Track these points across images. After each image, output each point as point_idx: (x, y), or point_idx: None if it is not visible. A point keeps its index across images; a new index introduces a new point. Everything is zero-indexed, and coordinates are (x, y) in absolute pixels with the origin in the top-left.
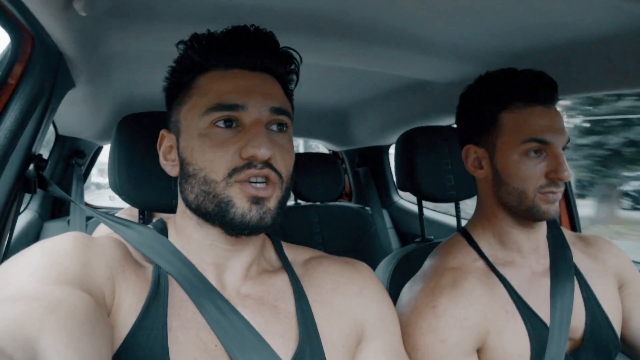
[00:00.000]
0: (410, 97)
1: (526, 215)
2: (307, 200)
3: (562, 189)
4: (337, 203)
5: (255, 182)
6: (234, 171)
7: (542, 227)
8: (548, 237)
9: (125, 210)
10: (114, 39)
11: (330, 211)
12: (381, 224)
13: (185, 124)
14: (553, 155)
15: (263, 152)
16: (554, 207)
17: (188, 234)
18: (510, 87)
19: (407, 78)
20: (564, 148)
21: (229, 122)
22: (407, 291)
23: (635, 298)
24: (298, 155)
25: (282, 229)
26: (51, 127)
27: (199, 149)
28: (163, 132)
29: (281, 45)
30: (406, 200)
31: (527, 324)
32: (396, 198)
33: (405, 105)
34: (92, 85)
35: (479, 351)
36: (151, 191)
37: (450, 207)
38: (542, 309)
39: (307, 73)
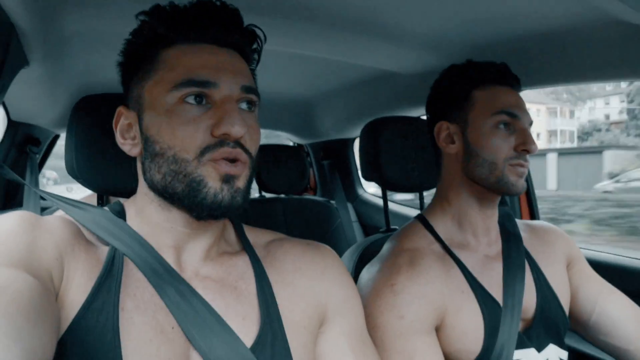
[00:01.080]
0: (375, 89)
1: (495, 187)
2: (272, 193)
3: (528, 163)
4: (302, 196)
5: (228, 160)
6: (206, 149)
7: (495, 212)
8: (500, 223)
9: (83, 199)
10: (73, 16)
11: (295, 204)
12: (346, 218)
13: (149, 99)
14: (521, 130)
15: (237, 130)
16: (522, 182)
17: (147, 216)
18: (482, 70)
19: (372, 69)
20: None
21: (199, 98)
22: (366, 272)
23: (581, 275)
24: (263, 146)
25: (246, 222)
26: (3, 112)
27: (167, 126)
28: (121, 109)
29: None
30: (371, 194)
31: (482, 305)
32: (361, 192)
33: (370, 97)
34: (48, 65)
35: (437, 329)
36: (112, 175)
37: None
38: (496, 290)
39: (272, 61)
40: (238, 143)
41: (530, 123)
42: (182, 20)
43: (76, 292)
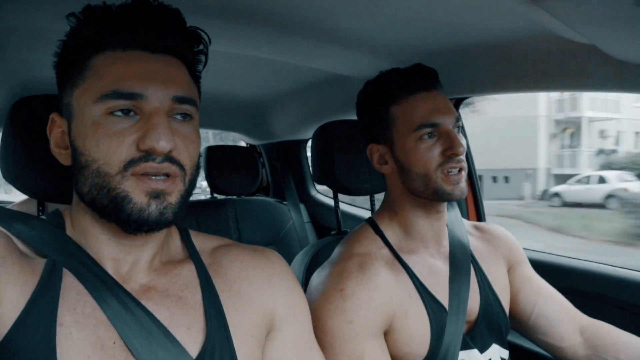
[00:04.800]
0: (328, 92)
1: (434, 198)
2: (224, 194)
3: (462, 164)
4: (254, 197)
5: (155, 176)
6: (130, 163)
7: (444, 216)
8: (448, 226)
9: (18, 204)
10: (9, 11)
11: (247, 205)
12: (298, 219)
13: (77, 108)
14: (445, 134)
15: (162, 145)
16: (459, 188)
17: (84, 227)
18: (393, 82)
19: (326, 72)
20: (456, 127)
21: (126, 110)
22: (316, 277)
23: (522, 279)
24: (215, 148)
25: (197, 224)
26: None
27: (92, 138)
28: (53, 115)
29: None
30: (323, 194)
31: (428, 308)
32: (313, 192)
33: (323, 99)
34: None
35: (386, 333)
36: (51, 180)
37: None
38: (442, 294)
39: (224, 63)
40: (168, 157)
41: (456, 120)
42: (113, 25)
43: (7, 308)
